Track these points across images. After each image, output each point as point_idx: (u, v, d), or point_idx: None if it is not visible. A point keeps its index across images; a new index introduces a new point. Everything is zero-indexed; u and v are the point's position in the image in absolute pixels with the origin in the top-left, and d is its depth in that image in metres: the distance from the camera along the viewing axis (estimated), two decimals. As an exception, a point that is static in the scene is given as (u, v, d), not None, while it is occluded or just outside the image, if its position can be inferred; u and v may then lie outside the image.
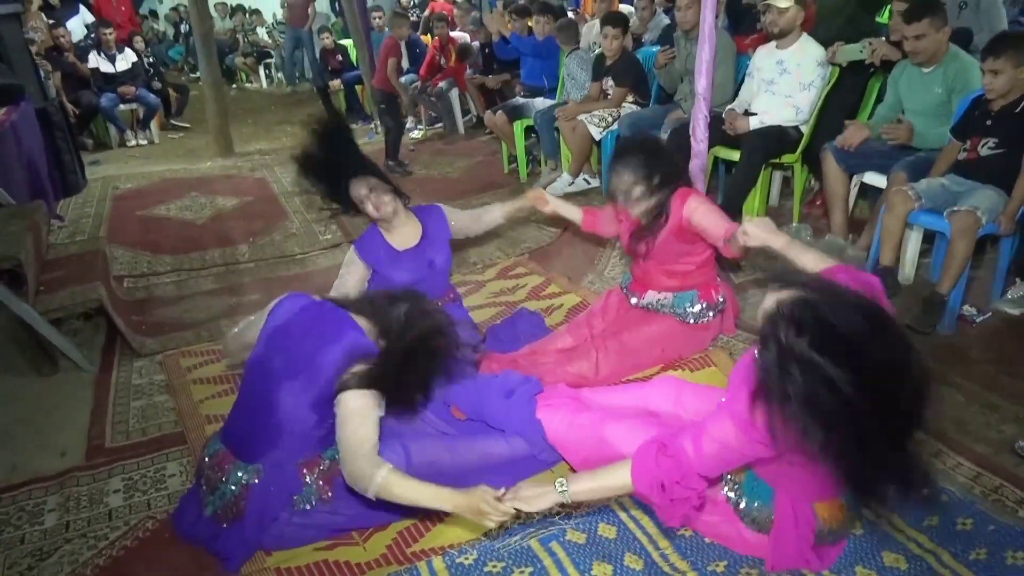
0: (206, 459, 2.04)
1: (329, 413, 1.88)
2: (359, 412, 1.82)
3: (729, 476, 1.82)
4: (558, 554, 1.93)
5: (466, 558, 1.93)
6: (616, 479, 1.70)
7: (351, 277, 2.82)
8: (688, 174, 2.94)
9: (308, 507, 1.95)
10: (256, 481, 1.93)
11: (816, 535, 1.77)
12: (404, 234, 2.84)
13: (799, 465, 1.68)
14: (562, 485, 1.73)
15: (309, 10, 10.41)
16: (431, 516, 2.07)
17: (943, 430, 2.31)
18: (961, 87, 3.15)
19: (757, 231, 2.15)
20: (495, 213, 3.10)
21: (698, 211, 2.52)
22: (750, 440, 1.55)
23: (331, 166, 2.66)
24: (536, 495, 1.74)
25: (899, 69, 3.41)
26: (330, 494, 1.96)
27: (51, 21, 8.08)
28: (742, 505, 1.80)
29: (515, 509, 1.73)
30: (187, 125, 8.53)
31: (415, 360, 1.90)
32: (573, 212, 3.04)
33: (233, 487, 1.94)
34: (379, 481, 1.72)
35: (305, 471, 1.96)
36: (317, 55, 9.15)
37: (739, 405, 1.54)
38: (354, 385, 1.83)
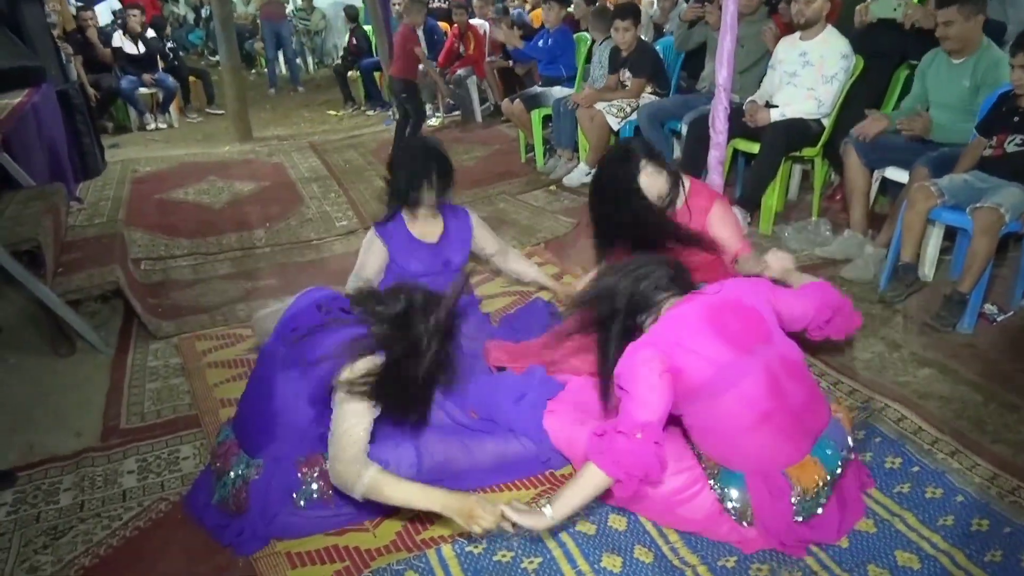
0: (216, 445, 2.05)
1: (326, 412, 1.86)
2: (356, 412, 1.80)
3: (710, 473, 1.86)
4: (568, 544, 1.93)
5: (475, 547, 1.92)
6: (587, 471, 1.73)
7: (372, 261, 2.80)
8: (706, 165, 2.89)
9: (304, 503, 1.94)
10: (257, 477, 1.92)
11: (795, 504, 1.77)
12: (426, 228, 2.83)
13: (723, 420, 1.78)
14: (548, 509, 1.74)
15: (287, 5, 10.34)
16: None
17: (960, 429, 2.28)
18: (990, 82, 3.10)
19: (778, 265, 2.35)
20: (530, 271, 3.06)
21: (721, 220, 2.54)
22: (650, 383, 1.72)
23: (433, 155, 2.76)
24: (528, 511, 1.75)
25: (927, 60, 3.36)
26: (331, 493, 1.94)
27: (80, 4, 8.13)
28: (726, 496, 1.82)
29: (504, 516, 1.73)
30: (221, 111, 8.47)
31: (417, 371, 1.88)
32: None
33: (235, 479, 1.94)
34: (366, 482, 1.73)
35: (305, 469, 1.94)
36: (295, 47, 9.06)
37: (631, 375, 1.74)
38: (357, 394, 1.81)
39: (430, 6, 8.62)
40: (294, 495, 1.93)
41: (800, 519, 1.79)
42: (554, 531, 1.96)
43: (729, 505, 1.83)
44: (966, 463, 2.14)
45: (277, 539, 1.98)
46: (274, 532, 1.97)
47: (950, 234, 3.22)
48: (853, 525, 1.91)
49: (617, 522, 2.00)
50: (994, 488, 2.04)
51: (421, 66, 6.27)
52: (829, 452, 1.82)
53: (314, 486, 1.94)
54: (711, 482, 1.86)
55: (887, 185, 3.73)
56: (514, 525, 1.73)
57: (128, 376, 2.88)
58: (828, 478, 1.81)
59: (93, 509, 2.16)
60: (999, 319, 2.88)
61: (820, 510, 1.81)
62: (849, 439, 1.91)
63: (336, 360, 1.81)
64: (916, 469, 2.12)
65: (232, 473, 1.95)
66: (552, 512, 1.72)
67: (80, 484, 2.27)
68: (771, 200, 3.84)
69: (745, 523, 1.83)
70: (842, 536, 1.88)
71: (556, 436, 2.16)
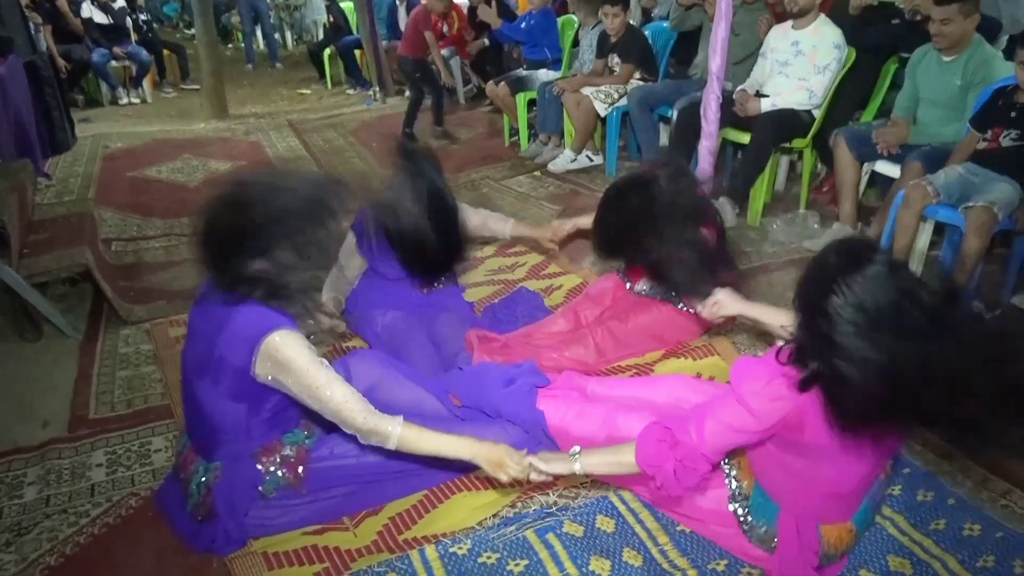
0: (178, 454, 1.96)
1: (256, 398, 1.77)
2: (329, 384, 1.67)
3: (737, 488, 1.75)
4: (555, 547, 1.87)
5: (460, 548, 1.87)
6: (626, 456, 1.69)
7: (353, 264, 2.74)
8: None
9: (275, 492, 1.85)
10: (217, 480, 1.83)
11: (820, 558, 1.69)
12: None
13: (802, 477, 1.64)
14: (575, 453, 1.73)
15: None
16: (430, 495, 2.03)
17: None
18: (980, 80, 3.07)
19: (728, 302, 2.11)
20: (505, 227, 2.92)
21: None
22: (755, 415, 1.53)
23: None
24: (552, 457, 1.76)
25: (917, 57, 3.32)
26: (299, 481, 1.86)
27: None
28: (749, 521, 1.73)
29: (532, 466, 1.73)
30: (196, 87, 8.27)
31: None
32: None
33: (199, 487, 1.85)
34: (397, 437, 1.69)
35: (264, 458, 1.84)
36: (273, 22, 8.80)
37: (753, 383, 1.53)
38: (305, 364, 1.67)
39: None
40: (260, 488, 1.84)
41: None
42: (540, 531, 1.92)
43: (749, 529, 1.73)
44: (956, 466, 2.12)
45: (254, 539, 1.91)
46: (249, 531, 1.89)
47: (938, 228, 3.20)
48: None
49: (605, 523, 1.95)
50: (985, 492, 2.01)
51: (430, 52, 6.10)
52: (867, 515, 1.75)
53: (279, 473, 1.85)
54: (734, 504, 1.75)
55: (875, 178, 3.70)
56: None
57: (97, 363, 2.77)
58: (855, 540, 1.74)
59: (59, 504, 2.07)
60: (987, 317, 2.86)
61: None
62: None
63: (233, 346, 1.68)
64: (907, 471, 2.09)
65: (194, 483, 1.86)
66: (580, 467, 1.72)
67: (46, 478, 2.17)
68: (760, 191, 3.79)
69: (760, 546, 1.75)
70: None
71: (553, 419, 2.06)
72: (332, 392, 1.67)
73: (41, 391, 2.61)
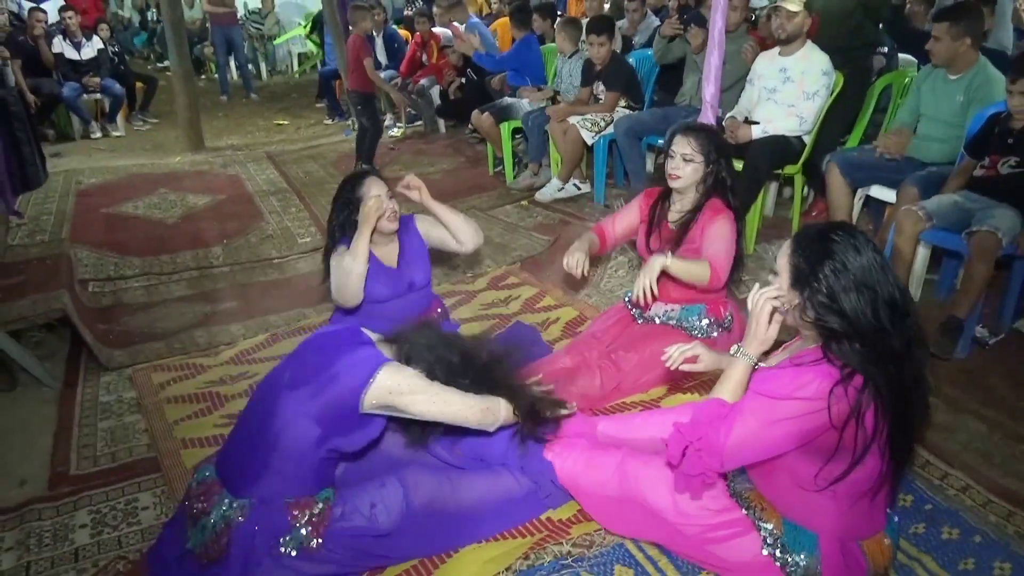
0: (194, 485, 1.85)
1: (332, 430, 1.74)
2: (418, 388, 1.79)
3: (768, 533, 1.67)
4: (575, 601, 1.78)
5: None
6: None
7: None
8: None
9: (293, 552, 1.75)
10: (241, 519, 1.73)
11: None
12: (387, 251, 2.69)
13: (835, 496, 1.59)
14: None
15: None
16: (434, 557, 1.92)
17: (969, 463, 2.20)
18: (981, 98, 3.09)
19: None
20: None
21: (717, 230, 2.43)
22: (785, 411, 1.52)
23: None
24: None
25: (924, 73, 3.37)
26: (318, 543, 1.76)
27: (31, 4, 7.72)
28: (788, 560, 1.64)
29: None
30: (155, 120, 8.20)
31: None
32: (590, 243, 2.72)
33: (216, 523, 1.74)
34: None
35: (296, 512, 1.76)
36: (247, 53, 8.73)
37: (776, 381, 1.55)
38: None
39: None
40: (282, 540, 1.74)
41: None
42: (558, 586, 1.82)
43: (791, 570, 1.65)
44: (979, 500, 2.07)
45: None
46: None
47: (934, 253, 3.18)
48: None
49: (624, 573, 1.86)
50: (1011, 527, 1.96)
51: (382, 74, 5.99)
52: (896, 519, 1.70)
53: (303, 531, 1.75)
54: (769, 548, 1.67)
55: (869, 202, 3.69)
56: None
57: (77, 413, 2.64)
58: (893, 554, 1.68)
59: (41, 572, 1.94)
60: (991, 342, 2.83)
61: None
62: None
63: (352, 369, 1.76)
64: (929, 507, 2.04)
65: (212, 516, 1.75)
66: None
67: (25, 542, 2.03)
68: (752, 218, 3.76)
69: None
70: None
71: (562, 470, 2.00)
72: (448, 401, 1.83)
73: (17, 445, 2.47)
